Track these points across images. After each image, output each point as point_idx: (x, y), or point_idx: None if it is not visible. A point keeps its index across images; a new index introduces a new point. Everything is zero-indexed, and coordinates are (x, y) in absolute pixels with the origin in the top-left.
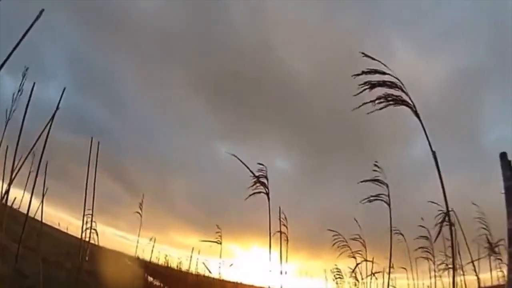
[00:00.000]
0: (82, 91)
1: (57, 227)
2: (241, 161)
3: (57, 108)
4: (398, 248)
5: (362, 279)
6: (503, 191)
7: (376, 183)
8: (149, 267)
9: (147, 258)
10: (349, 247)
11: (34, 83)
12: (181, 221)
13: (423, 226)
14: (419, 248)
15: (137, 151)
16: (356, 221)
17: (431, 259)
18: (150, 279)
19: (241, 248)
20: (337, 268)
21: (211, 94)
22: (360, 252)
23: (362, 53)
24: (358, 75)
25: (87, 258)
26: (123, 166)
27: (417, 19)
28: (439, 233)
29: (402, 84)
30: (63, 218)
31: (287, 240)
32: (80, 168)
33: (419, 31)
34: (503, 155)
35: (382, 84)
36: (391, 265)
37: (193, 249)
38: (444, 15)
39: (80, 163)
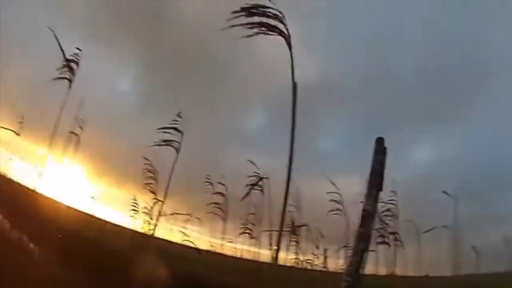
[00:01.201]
0: None
1: None
2: (56, 38)
3: None
4: (202, 199)
5: (157, 217)
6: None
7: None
8: None
9: None
10: (155, 179)
11: None
12: None
13: (222, 184)
14: (213, 203)
15: None
16: (146, 159)
17: (223, 218)
18: None
19: (54, 156)
20: (134, 200)
21: None
22: (151, 190)
23: None
24: (237, 12)
25: None
26: None
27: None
28: (247, 193)
29: (283, 17)
30: None
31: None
32: None
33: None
34: (379, 140)
35: (262, 14)
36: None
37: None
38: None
39: None
